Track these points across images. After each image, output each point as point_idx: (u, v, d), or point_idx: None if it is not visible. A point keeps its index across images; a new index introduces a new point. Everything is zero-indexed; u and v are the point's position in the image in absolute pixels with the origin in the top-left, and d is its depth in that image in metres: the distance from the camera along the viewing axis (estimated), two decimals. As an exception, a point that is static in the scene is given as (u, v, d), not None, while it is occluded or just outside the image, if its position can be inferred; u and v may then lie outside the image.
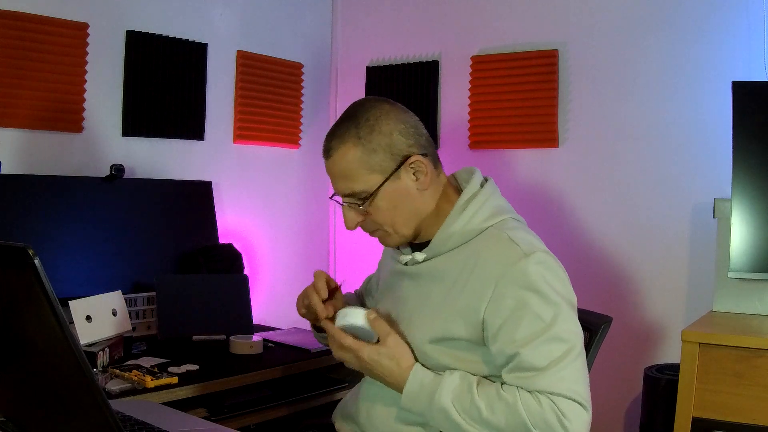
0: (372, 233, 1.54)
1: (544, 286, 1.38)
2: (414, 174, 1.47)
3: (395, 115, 1.47)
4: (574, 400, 1.34)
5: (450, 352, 1.46)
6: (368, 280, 1.87)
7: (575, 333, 1.40)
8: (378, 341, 1.48)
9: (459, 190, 1.56)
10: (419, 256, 1.51)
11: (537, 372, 1.35)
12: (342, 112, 1.52)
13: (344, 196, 1.49)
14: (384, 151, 1.44)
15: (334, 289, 1.62)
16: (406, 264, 1.54)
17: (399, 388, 1.46)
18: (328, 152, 1.48)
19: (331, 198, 1.54)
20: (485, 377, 1.45)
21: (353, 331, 1.47)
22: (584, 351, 1.42)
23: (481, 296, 1.41)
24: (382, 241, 1.55)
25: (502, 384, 1.40)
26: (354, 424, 1.61)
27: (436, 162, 1.52)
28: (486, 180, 1.57)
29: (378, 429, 1.54)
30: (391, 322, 1.54)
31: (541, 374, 1.35)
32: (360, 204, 1.47)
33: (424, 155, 1.48)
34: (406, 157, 1.46)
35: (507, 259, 1.40)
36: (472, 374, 1.44)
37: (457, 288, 1.45)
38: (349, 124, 1.46)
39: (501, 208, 1.52)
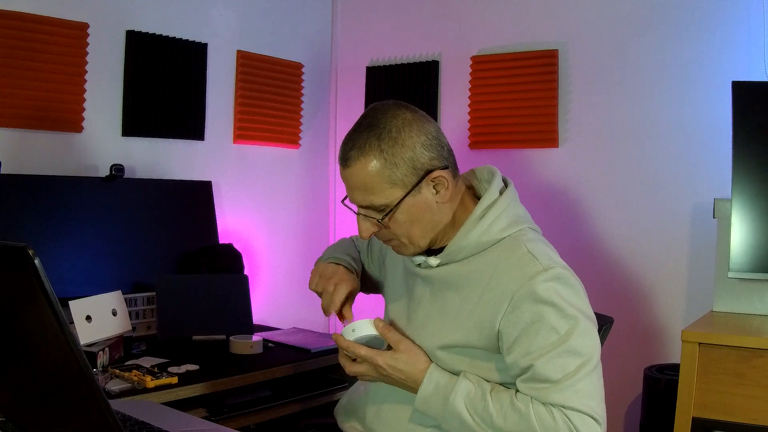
0: (386, 242, 1.51)
1: (561, 301, 1.37)
2: (434, 187, 1.43)
3: (418, 126, 1.41)
4: (587, 415, 1.33)
5: (463, 358, 1.45)
6: (369, 244, 1.79)
7: (591, 347, 1.38)
8: (389, 347, 1.49)
9: (476, 194, 1.54)
10: (433, 261, 1.49)
11: (551, 384, 1.34)
12: (360, 117, 1.46)
13: (361, 207, 1.45)
14: (406, 165, 1.39)
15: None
16: (419, 265, 1.53)
17: (414, 391, 1.46)
18: (346, 161, 1.41)
19: (342, 202, 1.50)
20: (499, 384, 1.44)
21: (364, 342, 1.49)
22: (601, 365, 1.40)
23: (497, 308, 1.40)
24: (396, 251, 1.51)
25: (516, 392, 1.40)
26: (358, 422, 1.61)
27: (456, 172, 1.48)
28: (506, 185, 1.53)
29: (389, 429, 1.53)
30: (404, 324, 1.54)
31: (554, 387, 1.34)
32: (379, 218, 1.43)
33: (445, 167, 1.43)
34: (428, 171, 1.41)
35: (525, 273, 1.38)
36: (486, 380, 1.44)
37: (473, 298, 1.43)
38: (370, 134, 1.40)
39: (519, 217, 1.49)
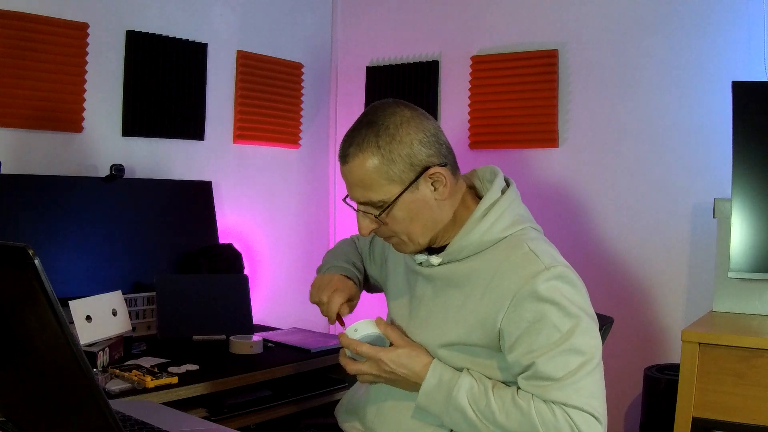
0: (386, 239, 1.52)
1: (563, 300, 1.37)
2: (432, 184, 1.43)
3: (416, 123, 1.43)
4: (588, 413, 1.34)
5: (465, 356, 1.46)
6: (371, 245, 1.79)
7: (593, 346, 1.38)
8: (390, 345, 1.49)
9: (477, 194, 1.54)
10: (435, 260, 1.49)
11: (552, 382, 1.35)
12: (360, 115, 1.47)
13: (360, 203, 1.46)
14: (403, 162, 1.40)
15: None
16: (420, 264, 1.53)
17: (416, 388, 1.46)
18: (345, 158, 1.43)
19: (344, 200, 1.51)
20: (501, 382, 1.45)
21: (366, 342, 1.49)
22: (602, 364, 1.40)
23: (499, 307, 1.40)
24: (396, 248, 1.52)
25: (517, 390, 1.40)
26: (359, 422, 1.61)
27: (455, 170, 1.48)
28: (508, 185, 1.54)
29: (390, 428, 1.53)
30: (406, 322, 1.55)
31: (556, 385, 1.35)
32: (377, 214, 1.44)
33: (444, 165, 1.44)
34: (426, 168, 1.42)
35: (527, 272, 1.39)
36: (487, 378, 1.44)
37: (475, 296, 1.44)
38: (368, 131, 1.41)
39: (521, 217, 1.50)
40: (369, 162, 1.40)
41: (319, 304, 1.61)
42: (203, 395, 2.09)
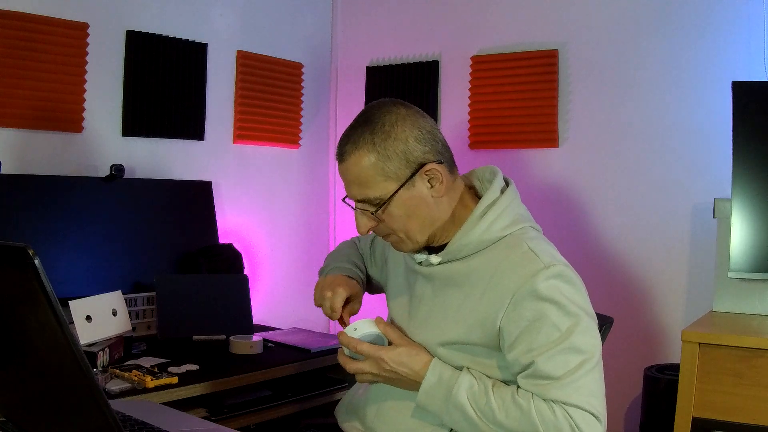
0: (385, 238, 1.52)
1: (563, 299, 1.37)
2: (429, 181, 1.44)
3: (411, 120, 1.44)
4: (588, 412, 1.34)
5: (464, 356, 1.46)
6: (371, 246, 1.81)
7: (593, 345, 1.39)
8: (389, 344, 1.50)
9: (477, 194, 1.54)
10: (434, 259, 1.50)
11: (552, 381, 1.35)
12: (358, 114, 1.48)
13: (357, 201, 1.47)
14: (399, 158, 1.41)
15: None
16: (420, 263, 1.53)
17: (416, 386, 1.46)
18: (341, 156, 1.45)
19: (343, 200, 1.52)
20: (500, 381, 1.45)
21: (366, 341, 1.49)
22: (602, 363, 1.41)
23: (499, 306, 1.40)
24: (395, 247, 1.53)
25: (517, 388, 1.40)
26: (359, 422, 1.61)
27: (452, 167, 1.49)
28: (507, 185, 1.54)
29: (390, 428, 1.53)
30: (405, 321, 1.55)
31: (556, 383, 1.35)
32: (373, 210, 1.45)
33: (440, 162, 1.44)
34: (422, 165, 1.43)
35: (526, 271, 1.39)
36: (487, 377, 1.44)
37: (475, 295, 1.44)
38: (364, 128, 1.43)
39: (520, 216, 1.50)
40: (365, 159, 1.41)
41: (323, 300, 1.61)
42: (203, 395, 2.09)
